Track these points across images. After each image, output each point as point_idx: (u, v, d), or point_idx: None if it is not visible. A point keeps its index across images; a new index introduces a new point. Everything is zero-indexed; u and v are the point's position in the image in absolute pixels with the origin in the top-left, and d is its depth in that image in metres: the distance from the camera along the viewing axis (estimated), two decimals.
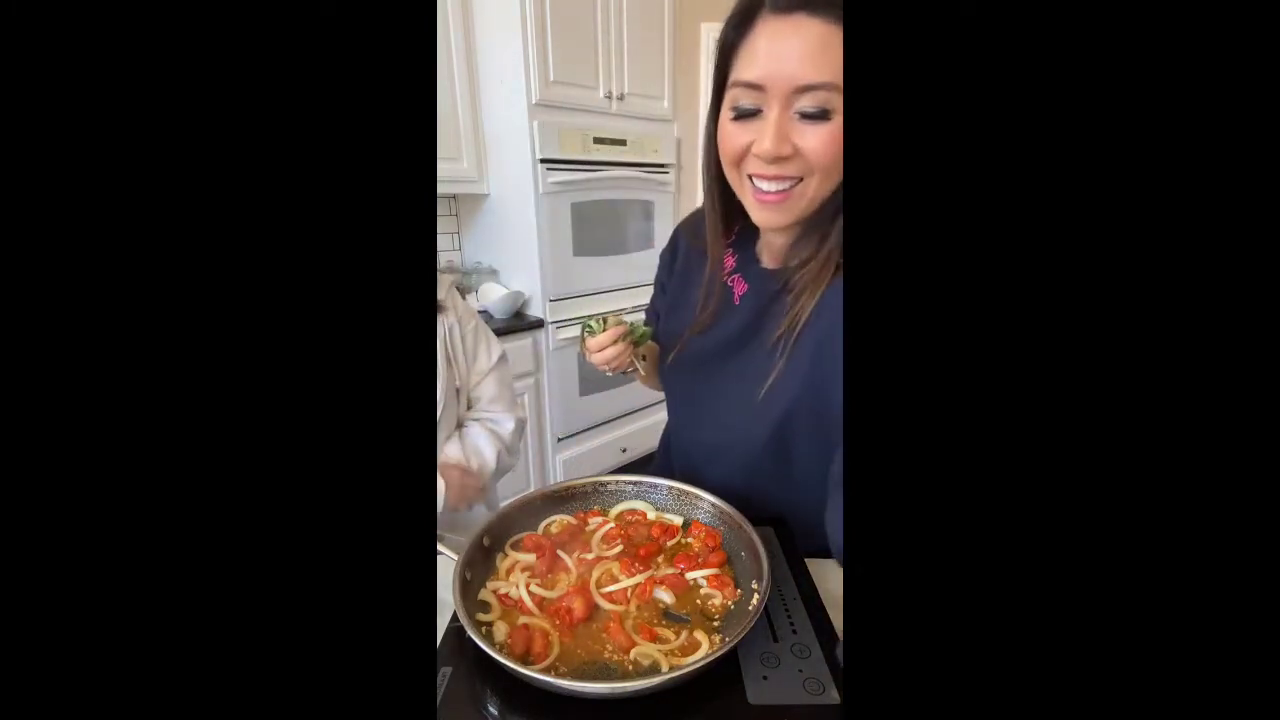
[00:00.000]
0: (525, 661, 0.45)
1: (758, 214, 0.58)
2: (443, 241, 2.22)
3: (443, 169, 1.88)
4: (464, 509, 0.89)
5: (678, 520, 0.63)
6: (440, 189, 1.92)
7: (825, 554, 0.61)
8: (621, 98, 2.11)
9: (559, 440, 2.15)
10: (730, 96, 0.54)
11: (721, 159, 0.58)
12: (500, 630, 0.49)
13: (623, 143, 2.12)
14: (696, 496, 0.63)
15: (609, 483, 0.67)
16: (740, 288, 0.69)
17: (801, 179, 0.53)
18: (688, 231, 0.78)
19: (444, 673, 0.46)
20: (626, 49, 2.08)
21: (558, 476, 2.15)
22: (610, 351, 0.70)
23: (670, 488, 0.65)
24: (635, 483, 0.67)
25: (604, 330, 0.71)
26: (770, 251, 0.67)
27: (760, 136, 0.51)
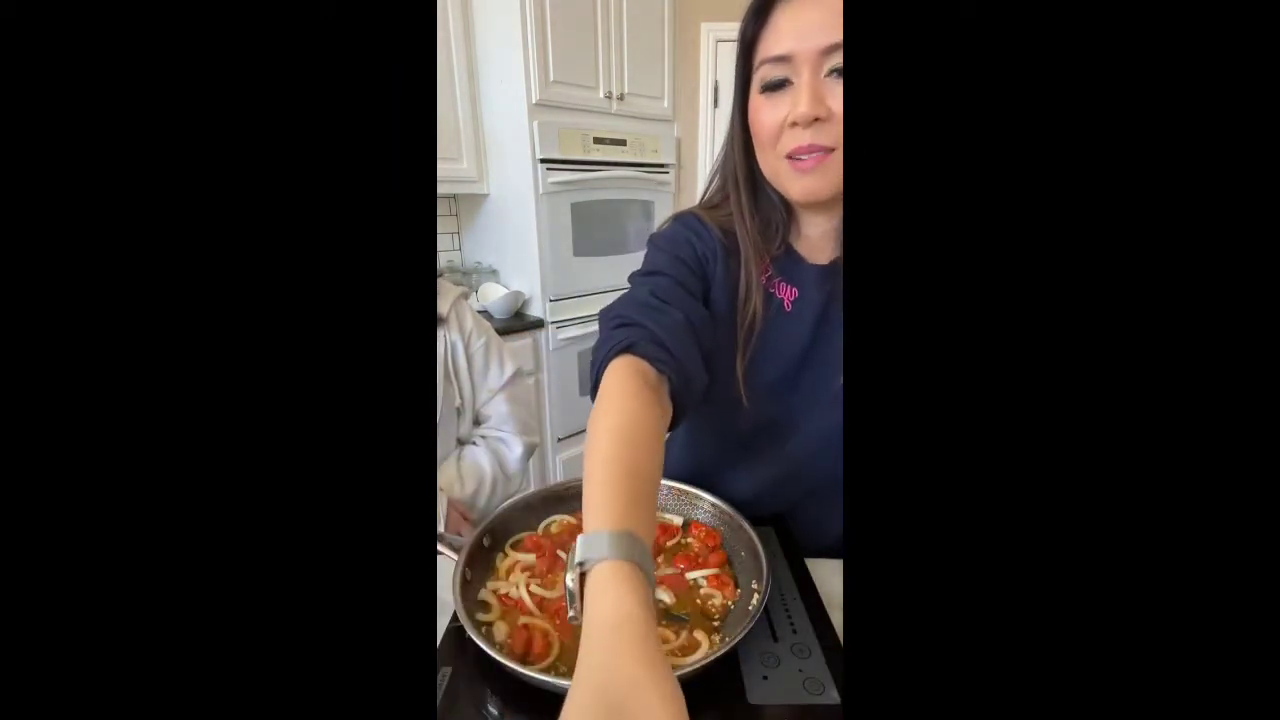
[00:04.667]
0: (525, 661, 0.45)
1: (797, 185, 0.55)
2: (443, 241, 2.22)
3: (443, 169, 1.88)
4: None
5: (677, 520, 0.63)
6: (440, 189, 1.92)
7: (829, 554, 0.61)
8: (621, 98, 2.11)
9: (559, 440, 2.15)
10: (758, 76, 0.54)
11: (756, 143, 0.57)
12: (500, 630, 0.49)
13: (623, 143, 2.12)
14: (696, 496, 0.63)
15: None
16: (789, 293, 0.62)
17: (834, 148, 0.52)
18: (719, 228, 0.63)
19: (444, 673, 0.46)
20: (626, 49, 2.08)
21: (558, 476, 2.15)
22: None
23: (670, 488, 0.65)
24: None
25: None
26: (812, 246, 0.62)
27: (796, 102, 0.51)
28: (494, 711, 0.44)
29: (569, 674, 0.45)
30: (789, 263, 0.63)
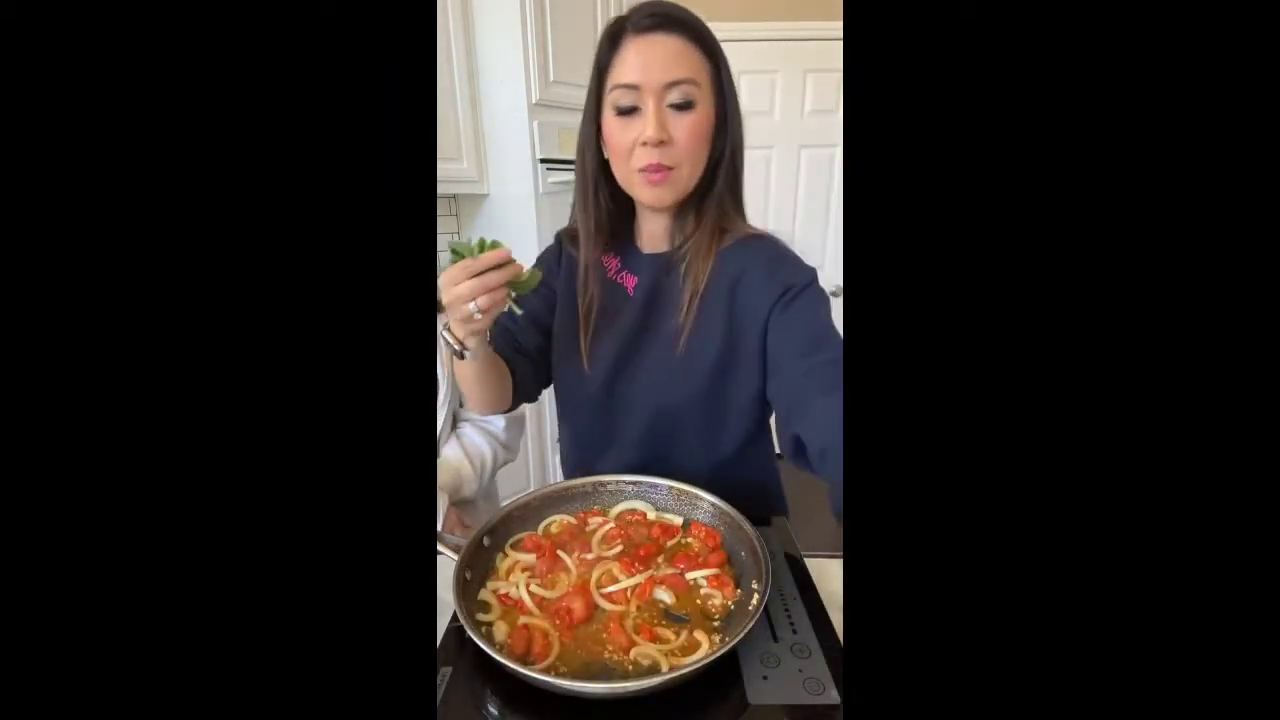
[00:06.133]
0: (525, 661, 0.45)
1: (648, 194, 0.67)
2: (443, 241, 2.22)
3: (443, 169, 1.88)
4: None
5: (678, 520, 0.63)
6: (440, 189, 1.91)
7: (824, 552, 0.62)
8: None
9: (559, 440, 2.15)
10: (610, 99, 0.65)
11: (611, 155, 0.68)
12: (500, 630, 0.49)
13: None
14: (696, 496, 0.63)
15: (609, 483, 0.67)
16: (631, 281, 0.75)
17: (674, 168, 0.64)
18: (568, 239, 0.80)
19: (444, 673, 0.46)
20: None
21: (557, 476, 2.14)
22: (480, 283, 0.54)
23: (670, 488, 0.65)
24: (635, 483, 0.67)
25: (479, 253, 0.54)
26: (652, 239, 0.75)
27: (645, 126, 0.62)
28: (494, 711, 0.44)
29: (569, 674, 0.46)
30: (631, 255, 0.76)
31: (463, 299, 0.55)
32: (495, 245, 0.56)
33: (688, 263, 0.70)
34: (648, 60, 0.62)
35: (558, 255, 0.81)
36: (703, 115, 0.63)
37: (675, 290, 0.71)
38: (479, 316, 0.56)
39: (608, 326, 0.75)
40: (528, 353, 0.79)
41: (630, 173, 0.67)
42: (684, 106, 0.62)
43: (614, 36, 0.64)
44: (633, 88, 0.62)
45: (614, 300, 0.76)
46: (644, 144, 0.63)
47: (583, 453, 0.82)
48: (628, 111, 0.64)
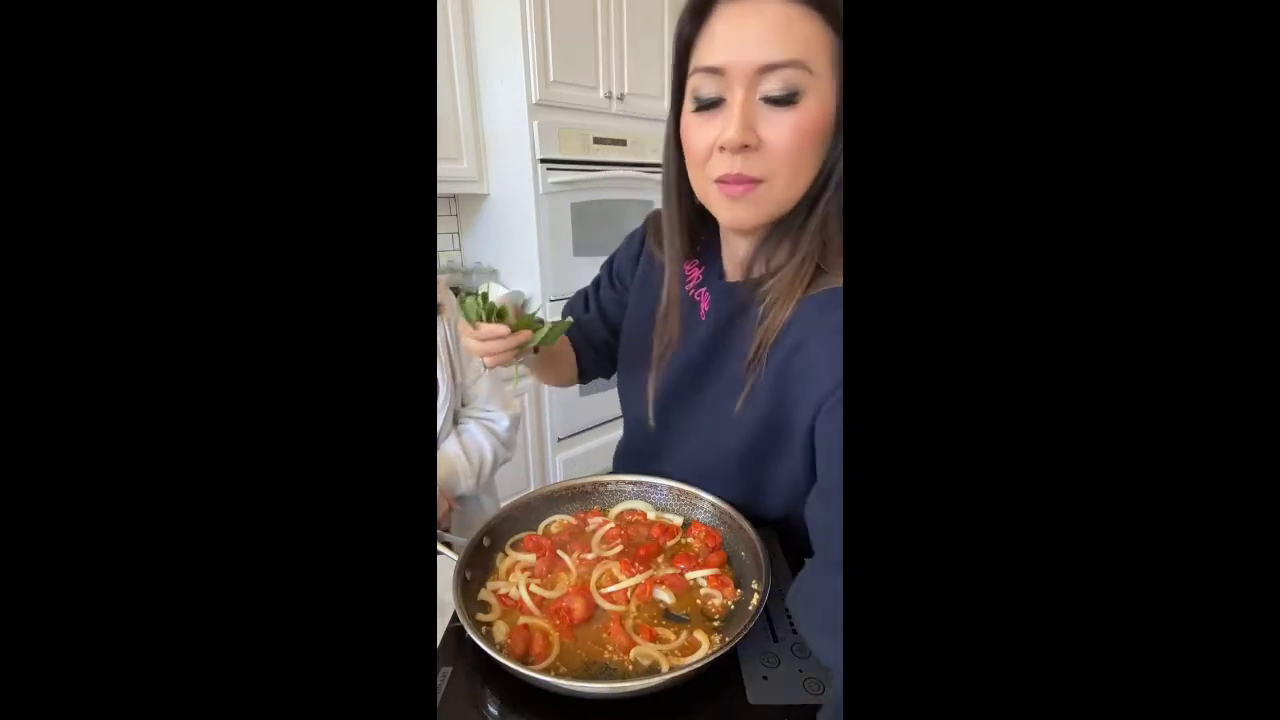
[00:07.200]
0: (525, 661, 0.45)
1: (726, 212, 0.53)
2: (443, 241, 2.22)
3: (443, 169, 1.88)
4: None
5: (678, 520, 0.63)
6: (440, 189, 1.92)
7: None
8: (621, 98, 2.11)
9: (559, 440, 2.15)
10: (691, 86, 0.51)
11: (687, 159, 0.55)
12: (500, 630, 0.49)
13: (623, 143, 2.12)
14: (696, 496, 0.63)
15: (609, 483, 0.67)
16: (705, 302, 0.64)
17: (761, 181, 0.49)
18: (653, 232, 0.71)
19: (444, 673, 0.46)
20: (626, 49, 2.08)
21: (558, 476, 2.15)
22: (484, 348, 0.59)
23: (670, 488, 0.65)
24: (635, 483, 0.67)
25: (488, 318, 0.58)
26: (733, 263, 0.62)
27: (725, 126, 0.48)
28: (494, 711, 0.44)
29: (569, 674, 0.46)
30: (712, 271, 0.64)
31: (472, 352, 0.59)
32: (502, 313, 0.58)
33: (766, 304, 0.55)
34: (740, 35, 0.46)
35: (638, 251, 0.74)
36: (813, 111, 0.46)
37: (747, 334, 0.56)
38: (486, 370, 0.63)
39: (678, 349, 0.65)
40: (595, 344, 0.78)
41: (705, 183, 0.52)
42: (784, 100, 0.46)
43: (702, 3, 0.49)
44: (716, 72, 0.47)
45: (685, 317, 0.64)
46: (722, 148, 0.49)
47: (638, 458, 0.75)
48: (710, 105, 0.49)
